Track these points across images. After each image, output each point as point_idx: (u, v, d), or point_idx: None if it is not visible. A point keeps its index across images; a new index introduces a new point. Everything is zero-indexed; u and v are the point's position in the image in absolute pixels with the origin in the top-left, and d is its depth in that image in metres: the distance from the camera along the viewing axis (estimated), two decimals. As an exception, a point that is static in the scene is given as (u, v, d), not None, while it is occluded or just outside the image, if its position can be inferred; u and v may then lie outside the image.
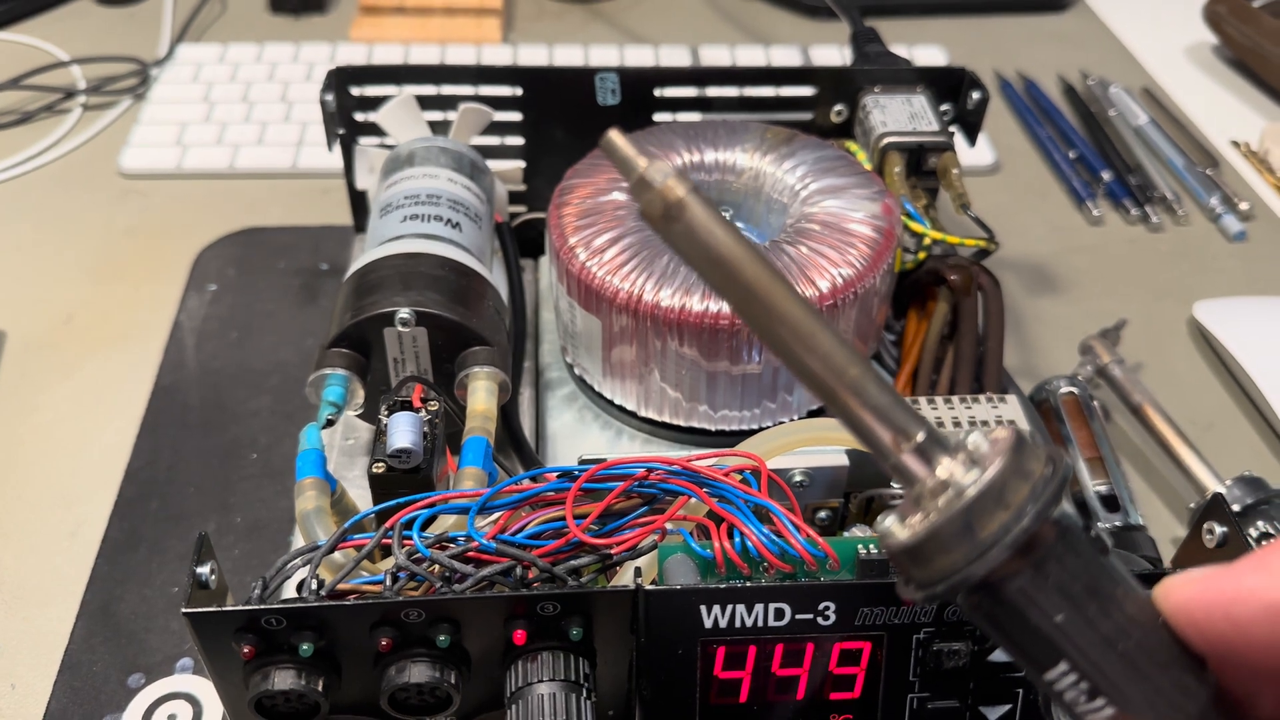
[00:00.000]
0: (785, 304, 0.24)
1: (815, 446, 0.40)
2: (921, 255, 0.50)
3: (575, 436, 0.47)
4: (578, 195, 0.47)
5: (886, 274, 0.45)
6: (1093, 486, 0.47)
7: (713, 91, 0.55)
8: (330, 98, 0.52)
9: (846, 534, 0.42)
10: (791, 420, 0.45)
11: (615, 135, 0.25)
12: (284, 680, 0.31)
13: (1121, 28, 0.88)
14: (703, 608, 0.32)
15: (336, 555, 0.34)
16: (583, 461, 0.37)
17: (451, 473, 0.40)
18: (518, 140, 0.55)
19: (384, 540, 0.33)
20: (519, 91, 0.54)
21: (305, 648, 0.31)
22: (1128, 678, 0.23)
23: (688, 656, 0.32)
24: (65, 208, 0.67)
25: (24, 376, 0.56)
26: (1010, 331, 0.53)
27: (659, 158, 0.25)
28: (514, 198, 0.56)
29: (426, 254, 0.44)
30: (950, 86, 0.54)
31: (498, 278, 0.48)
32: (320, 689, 0.32)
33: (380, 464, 0.38)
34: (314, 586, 0.32)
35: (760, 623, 0.32)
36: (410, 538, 0.33)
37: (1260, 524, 0.45)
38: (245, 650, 0.31)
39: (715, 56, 0.81)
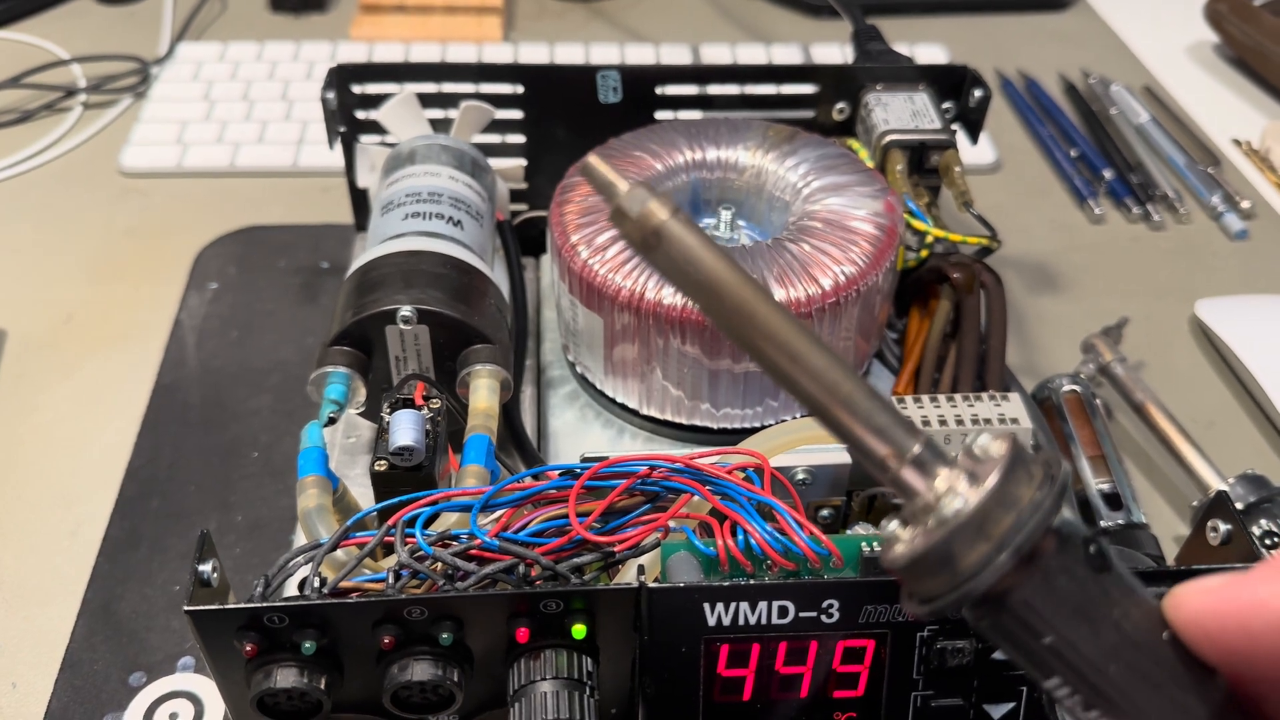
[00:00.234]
0: (774, 323, 0.24)
1: (817, 444, 0.40)
2: (924, 253, 0.50)
3: (577, 435, 0.47)
4: (579, 193, 0.47)
5: (889, 272, 0.44)
6: (1095, 485, 0.47)
7: (714, 89, 0.55)
8: (331, 95, 0.52)
9: (849, 532, 0.42)
10: (794, 418, 0.45)
11: (594, 160, 0.25)
12: (286, 678, 0.31)
13: (1122, 26, 0.88)
14: (706, 605, 0.32)
15: (339, 553, 0.34)
16: (585, 459, 0.37)
17: (453, 471, 0.40)
18: (519, 138, 0.55)
19: (386, 538, 0.33)
20: (520, 89, 0.54)
21: (308, 646, 0.31)
22: (1125, 692, 0.23)
23: (691, 654, 0.32)
24: (65, 206, 0.67)
25: (24, 376, 0.56)
26: (1012, 330, 0.53)
27: (641, 179, 0.25)
28: (515, 196, 0.56)
29: (428, 252, 0.44)
30: (952, 84, 0.54)
31: (499, 276, 0.48)
32: (322, 687, 0.32)
33: (382, 462, 0.37)
34: (316, 584, 0.32)
35: (764, 620, 0.32)
36: (413, 535, 0.33)
37: (1263, 522, 0.45)
38: (247, 648, 0.31)
39: (716, 55, 0.81)
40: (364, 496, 0.41)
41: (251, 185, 0.69)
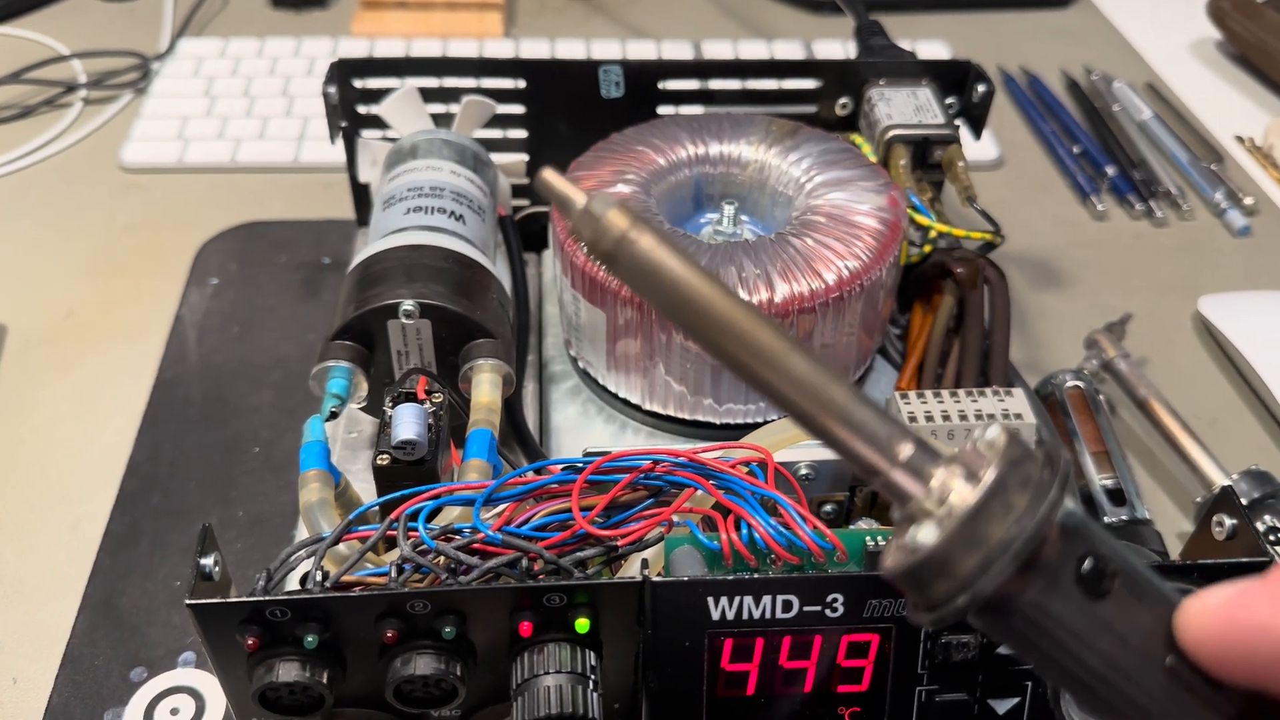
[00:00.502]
0: (748, 330, 0.23)
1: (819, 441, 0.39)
2: (927, 248, 0.50)
3: (579, 430, 0.47)
4: (583, 187, 0.47)
5: (893, 266, 0.44)
6: (1099, 481, 0.47)
7: (717, 84, 0.55)
8: (333, 90, 0.52)
9: (852, 527, 0.42)
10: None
11: (549, 174, 0.24)
12: (288, 672, 0.31)
13: (1125, 23, 0.88)
14: (710, 599, 0.31)
15: (341, 547, 0.34)
16: (588, 454, 0.36)
17: (455, 465, 0.40)
18: (521, 133, 0.55)
19: (389, 532, 0.33)
20: (522, 84, 0.53)
21: (310, 639, 0.31)
22: (1135, 703, 0.22)
23: (695, 648, 0.32)
24: (66, 202, 0.67)
25: (25, 371, 0.56)
26: (1015, 326, 0.53)
27: (603, 194, 0.24)
28: (517, 191, 0.56)
29: (430, 246, 0.44)
30: (955, 79, 0.54)
31: (501, 271, 0.48)
32: (325, 681, 0.32)
33: (385, 456, 0.37)
34: (319, 578, 0.32)
35: (768, 615, 0.32)
36: (415, 529, 0.33)
37: (1268, 518, 0.45)
38: (249, 642, 0.31)
39: (718, 51, 0.81)
40: (366, 491, 0.41)
41: (252, 181, 0.69)
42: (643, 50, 0.80)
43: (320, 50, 0.79)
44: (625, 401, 0.46)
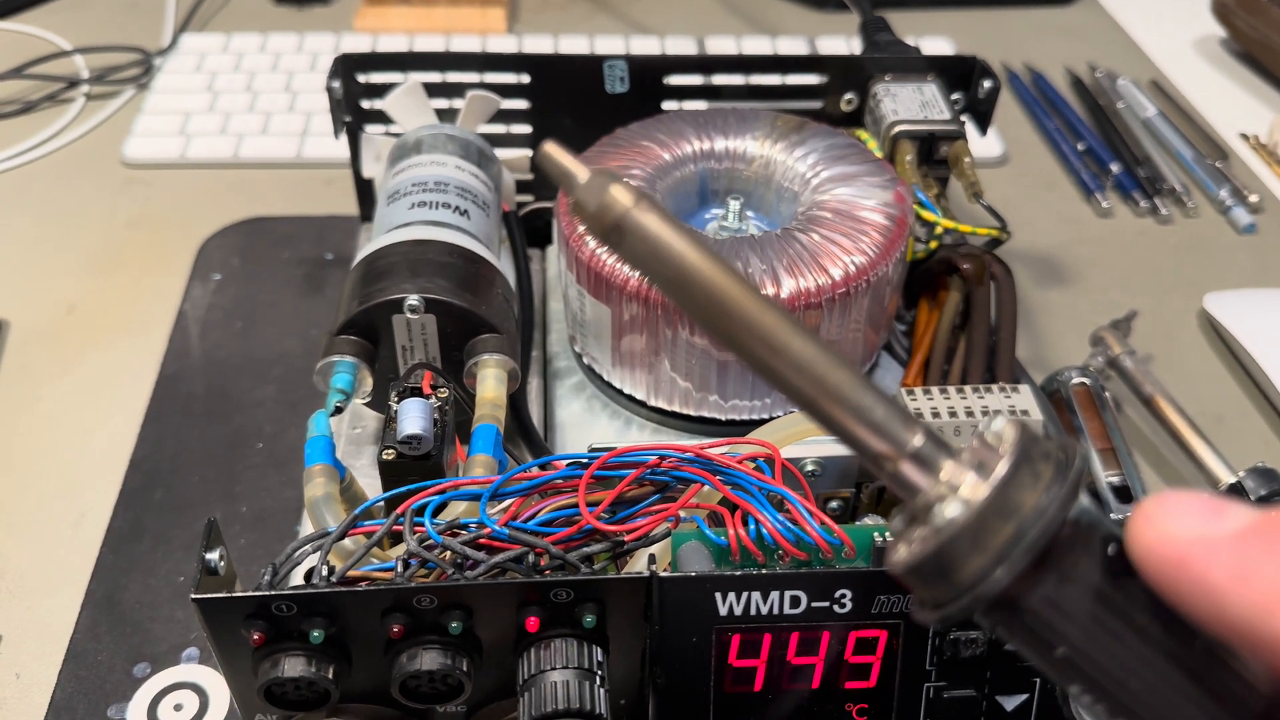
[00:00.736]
0: (754, 314, 0.22)
1: (827, 435, 0.39)
2: (933, 244, 0.50)
3: (584, 426, 0.47)
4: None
5: (899, 262, 0.44)
6: (1105, 478, 0.47)
7: (723, 80, 0.55)
8: (337, 85, 0.52)
9: (859, 523, 0.42)
10: (803, 409, 0.44)
11: (551, 147, 0.23)
12: (294, 667, 0.31)
13: (1129, 20, 0.87)
14: (718, 595, 0.31)
15: (346, 542, 0.34)
16: (593, 450, 0.36)
17: (460, 461, 0.40)
18: (525, 129, 0.55)
19: (395, 526, 0.33)
20: (526, 79, 0.53)
21: (316, 634, 0.31)
22: (1151, 705, 0.21)
23: (702, 644, 0.32)
24: (68, 197, 0.67)
25: (27, 367, 0.56)
26: (1020, 323, 0.53)
27: (606, 170, 0.23)
28: (521, 186, 0.55)
29: (435, 241, 0.44)
30: (961, 75, 0.54)
31: (505, 266, 0.48)
32: (330, 676, 0.31)
33: (390, 450, 0.37)
34: (324, 573, 0.32)
35: (776, 610, 0.32)
36: (422, 524, 0.32)
37: (1274, 515, 0.45)
38: (255, 637, 0.31)
39: (722, 48, 0.81)
40: (370, 487, 0.41)
41: (255, 176, 0.68)
42: (646, 46, 0.80)
43: (323, 46, 0.79)
44: (630, 397, 0.46)
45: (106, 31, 0.80)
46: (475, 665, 0.32)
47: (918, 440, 0.22)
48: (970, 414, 0.41)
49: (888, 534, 0.33)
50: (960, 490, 0.21)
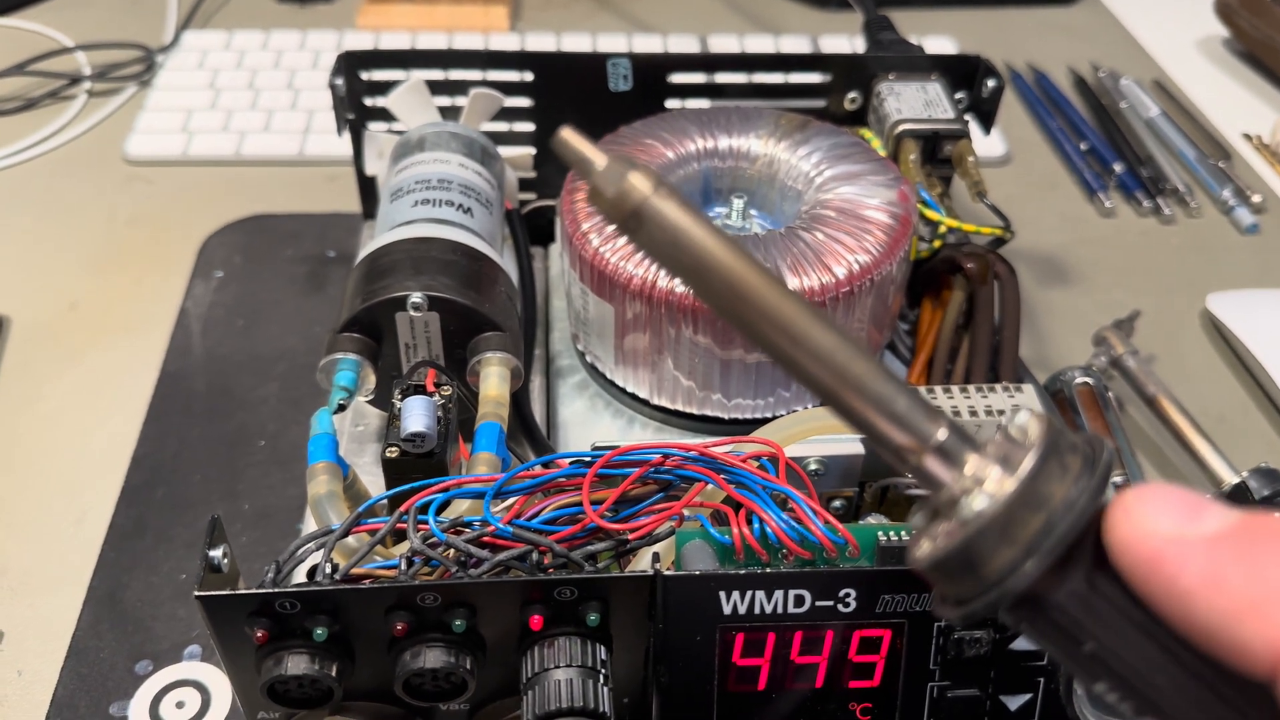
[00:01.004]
0: (775, 303, 0.22)
1: (830, 435, 0.39)
2: (937, 243, 0.50)
3: (586, 424, 0.47)
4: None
5: (903, 261, 0.44)
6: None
7: (726, 78, 0.55)
8: (340, 82, 0.51)
9: (863, 522, 0.42)
10: (806, 409, 0.44)
11: (568, 133, 0.22)
12: (297, 665, 0.31)
13: (1132, 20, 0.87)
14: (722, 594, 0.31)
15: (350, 540, 0.34)
16: (596, 449, 0.36)
17: (464, 459, 0.40)
18: (528, 126, 0.55)
19: (398, 524, 0.33)
20: (530, 77, 0.53)
21: (319, 632, 0.31)
22: (1179, 705, 0.21)
23: (706, 643, 0.32)
24: (70, 194, 0.67)
25: (28, 364, 0.56)
26: (1022, 322, 0.53)
27: (625, 157, 0.22)
28: (524, 184, 0.55)
29: (438, 239, 0.44)
30: (965, 74, 0.54)
31: (507, 264, 0.48)
32: (334, 674, 0.31)
33: (394, 448, 0.37)
34: (328, 570, 0.32)
35: (780, 609, 0.32)
36: (425, 522, 0.32)
37: (1278, 516, 0.45)
38: (258, 634, 0.31)
39: (724, 47, 0.80)
40: (373, 485, 0.40)
41: (257, 174, 0.68)
42: (649, 45, 0.80)
43: (325, 43, 0.79)
44: (633, 396, 0.46)
45: (108, 28, 0.80)
46: (478, 663, 0.32)
47: (942, 433, 0.22)
48: (974, 413, 0.41)
49: (892, 534, 0.33)
50: (986, 484, 0.21)
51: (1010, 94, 0.78)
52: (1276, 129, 0.73)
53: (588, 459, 0.35)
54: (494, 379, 0.41)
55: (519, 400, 0.45)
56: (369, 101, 0.53)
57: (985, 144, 0.69)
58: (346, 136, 0.53)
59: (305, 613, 0.31)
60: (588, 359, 0.48)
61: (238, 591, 0.31)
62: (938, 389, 0.42)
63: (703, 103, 0.55)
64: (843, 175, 0.46)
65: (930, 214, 0.49)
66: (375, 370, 0.42)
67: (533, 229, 0.54)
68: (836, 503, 0.41)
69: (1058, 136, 0.73)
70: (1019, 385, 0.42)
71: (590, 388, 0.48)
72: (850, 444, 0.40)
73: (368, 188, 0.55)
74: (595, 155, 0.22)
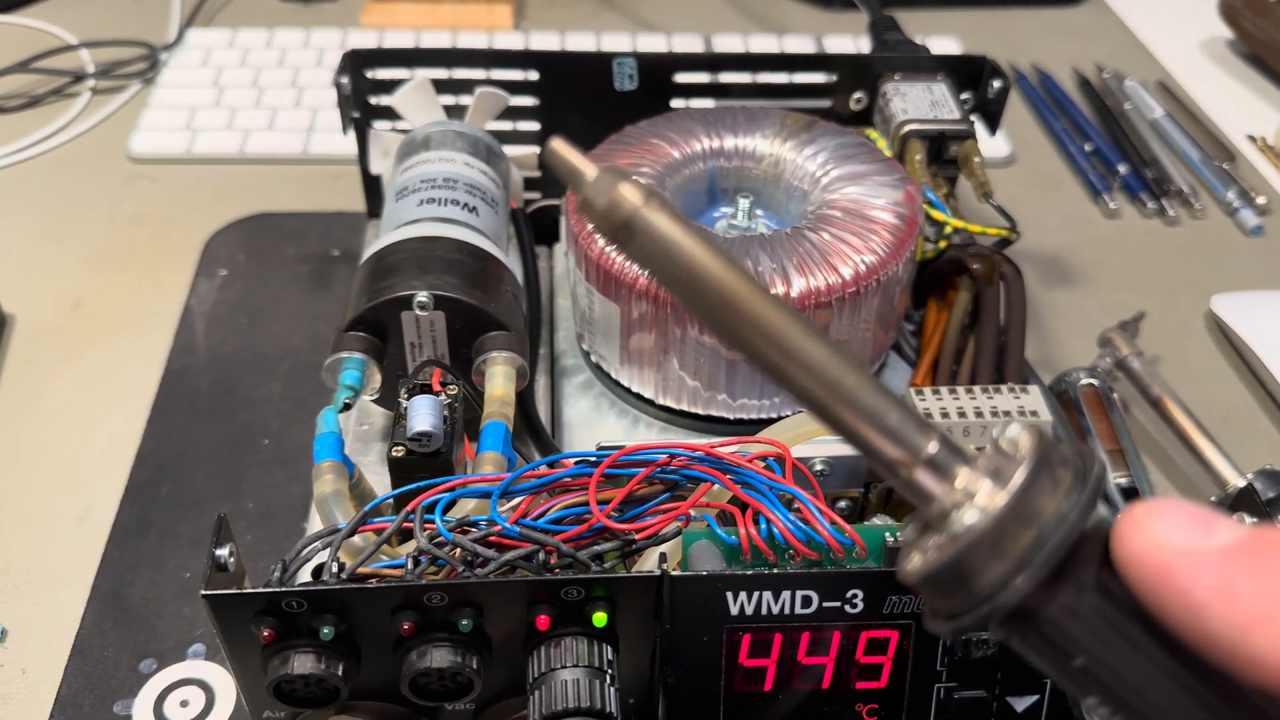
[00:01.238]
0: (765, 316, 0.22)
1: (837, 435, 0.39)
2: (942, 244, 0.50)
3: (591, 424, 0.47)
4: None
5: (909, 262, 0.44)
6: (1114, 479, 0.47)
7: (731, 78, 0.55)
8: (345, 80, 0.51)
9: (868, 523, 0.42)
10: (811, 409, 0.44)
11: (558, 143, 0.22)
12: (304, 664, 0.31)
13: (1136, 21, 0.87)
14: (729, 594, 0.31)
15: (356, 539, 0.34)
16: (602, 448, 0.36)
17: (470, 458, 0.40)
18: (533, 125, 0.55)
19: (405, 524, 0.33)
20: (535, 76, 0.53)
21: (326, 631, 0.31)
22: (1172, 714, 0.21)
23: (713, 643, 0.32)
24: (74, 192, 0.67)
25: (32, 362, 0.56)
26: (1028, 323, 0.53)
27: (615, 167, 0.22)
28: (529, 184, 0.55)
29: (443, 238, 0.44)
30: (970, 75, 0.54)
31: (512, 264, 0.48)
32: (340, 673, 0.31)
33: (400, 448, 0.37)
34: (334, 570, 0.32)
35: (787, 610, 0.32)
36: (432, 521, 0.32)
37: (1283, 517, 0.45)
38: (265, 633, 0.31)
39: (729, 47, 0.80)
40: (378, 484, 0.40)
41: (261, 172, 0.68)
42: (653, 44, 0.80)
43: (329, 42, 0.79)
44: (638, 396, 0.46)
45: (112, 26, 0.80)
46: (485, 663, 0.32)
47: (932, 447, 0.22)
48: (979, 414, 0.41)
49: (898, 535, 0.33)
50: (977, 498, 0.21)
51: (1015, 95, 0.78)
52: (1281, 130, 0.73)
53: (593, 459, 0.35)
54: (499, 378, 0.40)
55: (524, 400, 0.45)
56: (374, 100, 0.53)
57: (990, 145, 0.69)
58: (351, 135, 0.53)
59: (312, 612, 0.31)
60: (593, 359, 0.48)
61: (245, 591, 0.31)
62: (943, 390, 0.42)
63: (708, 102, 0.55)
64: (848, 175, 0.46)
65: (936, 214, 0.49)
66: (380, 369, 0.42)
67: (538, 228, 0.54)
68: (842, 503, 0.41)
69: (1062, 137, 0.73)
70: (1024, 386, 0.42)
71: (595, 387, 0.48)
72: (856, 444, 0.40)
73: (372, 186, 0.55)
74: (586, 166, 0.22)
